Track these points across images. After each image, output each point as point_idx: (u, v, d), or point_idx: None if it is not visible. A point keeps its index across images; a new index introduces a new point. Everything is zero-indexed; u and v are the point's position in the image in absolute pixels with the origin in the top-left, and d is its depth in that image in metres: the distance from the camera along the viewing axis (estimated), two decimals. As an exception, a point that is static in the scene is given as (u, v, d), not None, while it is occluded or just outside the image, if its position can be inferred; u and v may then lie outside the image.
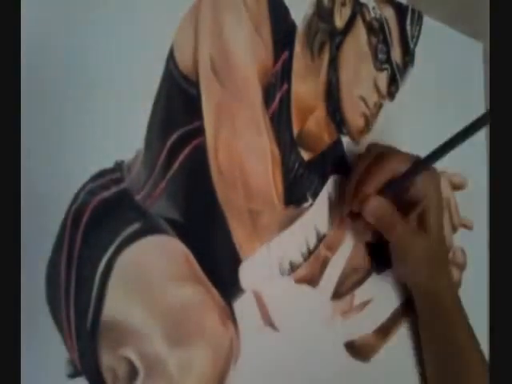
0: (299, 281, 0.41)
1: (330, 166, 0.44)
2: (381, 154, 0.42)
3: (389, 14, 0.50)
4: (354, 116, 0.47)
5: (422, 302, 0.46)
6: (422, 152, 0.51)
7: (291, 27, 0.43)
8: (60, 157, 0.32)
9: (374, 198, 0.40)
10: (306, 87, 0.44)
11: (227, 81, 0.39)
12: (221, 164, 0.38)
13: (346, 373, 0.43)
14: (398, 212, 0.41)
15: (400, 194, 0.41)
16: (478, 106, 0.58)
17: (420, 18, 0.52)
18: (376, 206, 0.40)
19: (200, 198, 0.37)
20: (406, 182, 0.41)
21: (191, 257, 0.36)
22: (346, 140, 0.46)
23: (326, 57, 0.45)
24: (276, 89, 0.41)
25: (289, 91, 0.42)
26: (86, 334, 0.32)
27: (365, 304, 0.45)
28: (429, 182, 0.41)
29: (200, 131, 0.37)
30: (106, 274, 0.33)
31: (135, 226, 0.34)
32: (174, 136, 0.36)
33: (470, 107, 0.57)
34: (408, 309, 0.48)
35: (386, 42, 0.49)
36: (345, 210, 0.43)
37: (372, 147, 0.44)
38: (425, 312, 0.46)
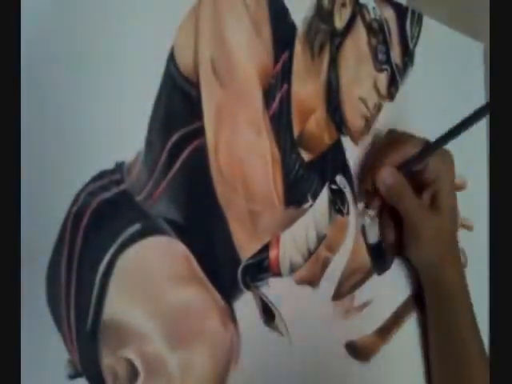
0: (299, 281, 0.41)
1: (330, 167, 0.44)
2: (394, 139, 0.45)
3: (389, 14, 0.50)
4: (354, 117, 0.47)
5: (430, 291, 0.46)
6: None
7: (291, 28, 0.43)
8: (60, 158, 0.32)
9: (387, 167, 0.42)
10: (306, 88, 0.44)
11: (227, 81, 0.39)
12: (221, 165, 0.38)
13: (346, 373, 0.43)
14: (411, 189, 0.42)
15: (414, 174, 0.43)
16: (478, 105, 0.58)
17: (420, 18, 0.52)
18: (388, 174, 0.42)
19: (200, 198, 0.37)
20: (418, 163, 0.43)
21: (191, 257, 0.36)
22: (346, 141, 0.46)
23: (326, 57, 0.45)
24: (276, 89, 0.41)
25: (289, 92, 0.42)
26: (86, 334, 0.32)
27: (365, 304, 0.45)
28: (441, 163, 0.43)
29: (200, 132, 0.37)
30: (106, 275, 0.33)
31: (136, 227, 0.34)
32: (175, 137, 0.36)
33: (470, 107, 0.57)
34: (409, 308, 0.48)
35: (385, 43, 0.49)
36: (360, 187, 0.46)
37: (388, 133, 0.47)
38: (432, 301, 0.46)
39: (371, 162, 0.45)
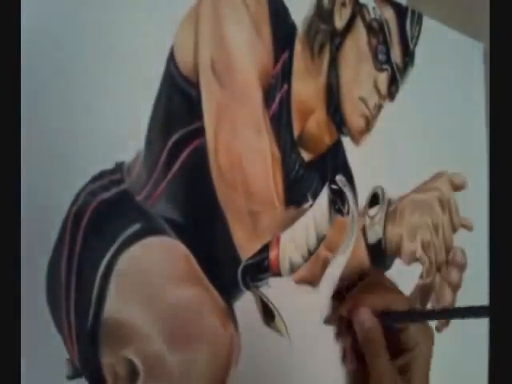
0: (299, 281, 0.41)
1: (330, 167, 0.44)
2: (380, 281, 0.43)
3: (389, 14, 0.50)
4: (354, 117, 0.47)
5: None
6: (422, 153, 0.51)
7: (291, 28, 0.43)
8: (60, 158, 0.32)
9: (366, 309, 0.39)
10: (306, 88, 0.44)
11: (227, 81, 0.39)
12: (221, 165, 0.38)
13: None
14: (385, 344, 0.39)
15: (390, 329, 0.39)
16: (478, 106, 0.58)
17: (420, 18, 0.52)
18: (367, 317, 0.39)
19: (200, 198, 0.37)
20: (399, 321, 0.40)
21: (191, 257, 0.36)
22: (346, 141, 0.46)
23: (326, 57, 0.45)
24: (276, 89, 0.41)
25: (289, 92, 0.42)
26: (86, 334, 0.32)
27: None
28: (422, 335, 0.39)
29: (200, 132, 0.37)
30: (106, 275, 0.33)
31: (136, 227, 0.34)
32: (175, 137, 0.36)
33: (470, 107, 0.57)
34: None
35: (385, 43, 0.49)
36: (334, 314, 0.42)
37: (373, 272, 0.45)
38: None
39: (353, 294, 0.42)
